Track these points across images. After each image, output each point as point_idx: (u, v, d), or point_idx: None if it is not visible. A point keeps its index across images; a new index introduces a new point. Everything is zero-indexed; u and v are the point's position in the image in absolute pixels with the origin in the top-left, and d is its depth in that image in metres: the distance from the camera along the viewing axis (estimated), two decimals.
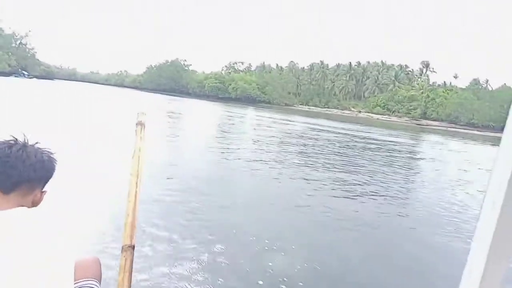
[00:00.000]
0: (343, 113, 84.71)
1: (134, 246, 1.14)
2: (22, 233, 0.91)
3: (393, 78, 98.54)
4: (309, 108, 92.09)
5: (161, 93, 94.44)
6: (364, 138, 25.84)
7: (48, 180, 1.13)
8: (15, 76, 79.68)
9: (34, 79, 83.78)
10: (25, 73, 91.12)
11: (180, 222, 4.80)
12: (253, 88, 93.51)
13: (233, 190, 7.36)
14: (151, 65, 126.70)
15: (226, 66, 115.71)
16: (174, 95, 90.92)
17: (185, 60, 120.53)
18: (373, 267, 4.35)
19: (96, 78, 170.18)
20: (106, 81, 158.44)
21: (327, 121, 44.02)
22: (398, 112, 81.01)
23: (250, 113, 43.20)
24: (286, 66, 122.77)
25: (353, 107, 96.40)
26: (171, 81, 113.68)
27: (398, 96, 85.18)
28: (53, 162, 1.13)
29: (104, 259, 2.03)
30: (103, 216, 4.42)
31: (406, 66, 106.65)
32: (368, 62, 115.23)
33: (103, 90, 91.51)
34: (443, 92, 79.04)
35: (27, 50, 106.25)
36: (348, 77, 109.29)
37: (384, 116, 79.71)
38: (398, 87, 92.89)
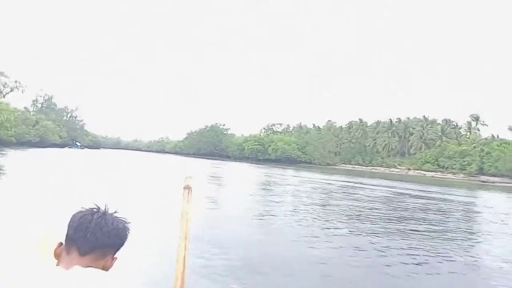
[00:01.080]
0: (392, 171, 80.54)
1: None
2: None
3: (439, 133, 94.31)
4: (353, 167, 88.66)
5: (201, 157, 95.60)
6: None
7: (120, 248, 1.19)
8: (69, 147, 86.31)
9: (86, 149, 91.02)
10: (78, 144, 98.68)
11: None
12: (293, 149, 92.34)
13: None
14: (191, 131, 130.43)
15: (264, 128, 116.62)
16: (214, 159, 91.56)
17: (223, 124, 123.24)
18: None
19: (139, 145, 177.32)
20: (148, 148, 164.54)
21: (386, 181, 41.03)
22: (452, 168, 75.86)
23: (305, 175, 41.16)
24: (324, 126, 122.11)
25: (399, 165, 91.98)
26: (210, 145, 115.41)
27: (448, 152, 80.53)
28: (127, 230, 1.20)
29: None
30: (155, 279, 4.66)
31: (450, 121, 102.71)
32: (408, 118, 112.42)
33: (147, 155, 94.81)
34: (498, 146, 73.92)
35: (76, 122, 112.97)
36: (390, 133, 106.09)
37: (437, 173, 74.73)
38: (446, 141, 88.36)
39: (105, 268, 1.14)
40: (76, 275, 1.03)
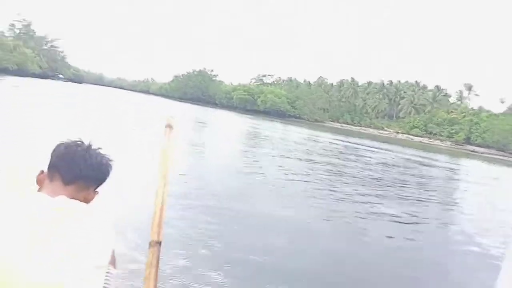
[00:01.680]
0: (381, 133, 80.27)
1: (160, 243, 1.19)
2: (74, 220, 1.03)
3: (430, 100, 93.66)
4: (341, 126, 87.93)
5: (187, 102, 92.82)
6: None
7: (102, 182, 1.23)
8: (52, 79, 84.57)
9: (69, 82, 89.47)
10: (61, 76, 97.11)
11: None
12: (282, 102, 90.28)
13: None
14: (178, 74, 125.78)
15: (254, 79, 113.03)
16: (201, 105, 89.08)
17: (212, 70, 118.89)
18: None
19: (123, 84, 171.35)
20: (132, 87, 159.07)
21: (377, 143, 40.26)
22: (440, 135, 76.08)
23: (299, 130, 39.83)
24: (315, 82, 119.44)
25: (387, 127, 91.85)
26: (197, 90, 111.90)
27: (437, 119, 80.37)
28: (109, 166, 1.23)
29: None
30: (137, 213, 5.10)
31: (442, 88, 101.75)
32: (399, 82, 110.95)
33: (131, 94, 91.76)
34: (487, 117, 74.03)
35: (57, 53, 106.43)
36: (381, 95, 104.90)
37: (425, 139, 74.87)
38: (436, 108, 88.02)
39: (87, 200, 1.16)
40: (64, 204, 1.04)
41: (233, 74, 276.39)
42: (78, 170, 1.13)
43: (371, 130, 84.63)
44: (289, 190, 9.91)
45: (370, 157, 22.66)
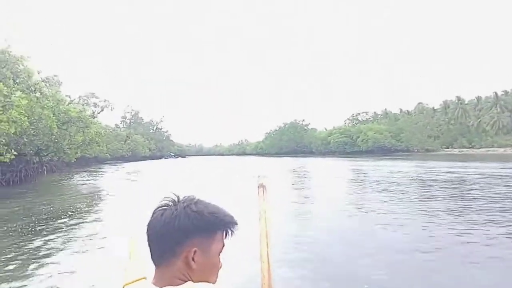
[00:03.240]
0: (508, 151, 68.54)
1: None
2: None
3: None
4: (460, 151, 77.71)
5: (283, 156, 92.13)
6: None
7: (196, 233, 1.01)
8: (165, 158, 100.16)
9: (179, 158, 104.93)
10: (172, 154, 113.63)
11: None
12: (385, 137, 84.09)
13: None
14: (270, 130, 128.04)
15: (349, 119, 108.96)
16: (297, 156, 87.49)
17: (303, 120, 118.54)
18: None
19: (220, 150, 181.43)
20: (229, 152, 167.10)
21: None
22: None
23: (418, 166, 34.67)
24: (414, 109, 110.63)
25: None
26: (292, 143, 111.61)
27: None
28: (202, 214, 1.00)
29: None
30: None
31: None
32: None
33: (228, 158, 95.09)
34: None
35: (162, 133, 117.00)
36: (498, 109, 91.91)
37: None
38: None
39: (188, 265, 0.93)
40: None
41: (324, 120, 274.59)
42: (157, 238, 0.93)
43: (495, 150, 72.81)
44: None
45: None
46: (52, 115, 22.44)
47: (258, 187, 1.40)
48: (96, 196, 17.37)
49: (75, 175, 30.75)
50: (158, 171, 41.03)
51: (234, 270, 4.86)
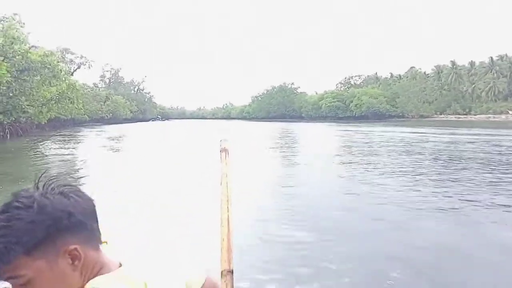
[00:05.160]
0: (508, 118, 66.56)
1: (232, 271, 1.15)
2: None
3: None
4: (457, 117, 75.47)
5: (271, 121, 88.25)
6: None
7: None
8: (153, 120, 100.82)
9: (166, 121, 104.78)
10: (159, 117, 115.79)
11: None
12: (380, 102, 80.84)
13: None
14: (257, 93, 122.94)
15: (341, 83, 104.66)
16: (287, 121, 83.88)
17: (292, 83, 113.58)
18: None
19: (204, 113, 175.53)
20: (213, 115, 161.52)
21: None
22: None
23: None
24: (406, 73, 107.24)
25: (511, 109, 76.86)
26: (281, 107, 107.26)
27: None
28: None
29: None
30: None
31: None
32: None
33: (213, 122, 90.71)
34: None
35: (144, 95, 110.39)
36: (494, 74, 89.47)
37: None
38: None
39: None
40: None
41: (312, 84, 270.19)
42: None
43: (495, 116, 70.75)
44: None
45: None
46: (1, 58, 16.60)
47: (220, 151, 1.41)
48: (67, 175, 12.52)
49: (46, 141, 23.69)
50: (145, 137, 35.86)
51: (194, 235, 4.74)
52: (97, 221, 0.80)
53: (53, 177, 0.76)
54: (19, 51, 18.95)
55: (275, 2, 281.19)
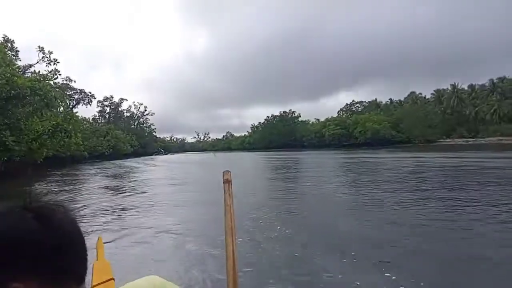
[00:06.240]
0: None
1: None
2: None
3: None
4: (466, 141, 73.92)
5: (274, 151, 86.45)
6: None
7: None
8: (156, 154, 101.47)
9: (169, 154, 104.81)
10: (162, 150, 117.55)
11: None
12: (384, 128, 79.52)
13: None
14: (259, 123, 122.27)
15: (342, 110, 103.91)
16: (290, 150, 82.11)
17: (293, 112, 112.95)
18: None
19: (204, 145, 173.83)
20: (214, 147, 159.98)
21: None
22: None
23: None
24: (405, 98, 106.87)
25: None
26: (283, 136, 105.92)
27: None
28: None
29: None
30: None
31: None
32: None
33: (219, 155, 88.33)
34: None
35: (144, 129, 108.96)
36: (497, 96, 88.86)
37: None
38: None
39: None
40: None
41: (312, 112, 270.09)
42: None
43: (503, 139, 69.04)
44: None
45: None
46: None
47: (224, 182, 1.39)
48: None
49: (40, 182, 19.47)
50: (151, 177, 33.70)
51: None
52: (79, 253, 0.63)
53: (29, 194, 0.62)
54: (3, 74, 15.74)
55: None
